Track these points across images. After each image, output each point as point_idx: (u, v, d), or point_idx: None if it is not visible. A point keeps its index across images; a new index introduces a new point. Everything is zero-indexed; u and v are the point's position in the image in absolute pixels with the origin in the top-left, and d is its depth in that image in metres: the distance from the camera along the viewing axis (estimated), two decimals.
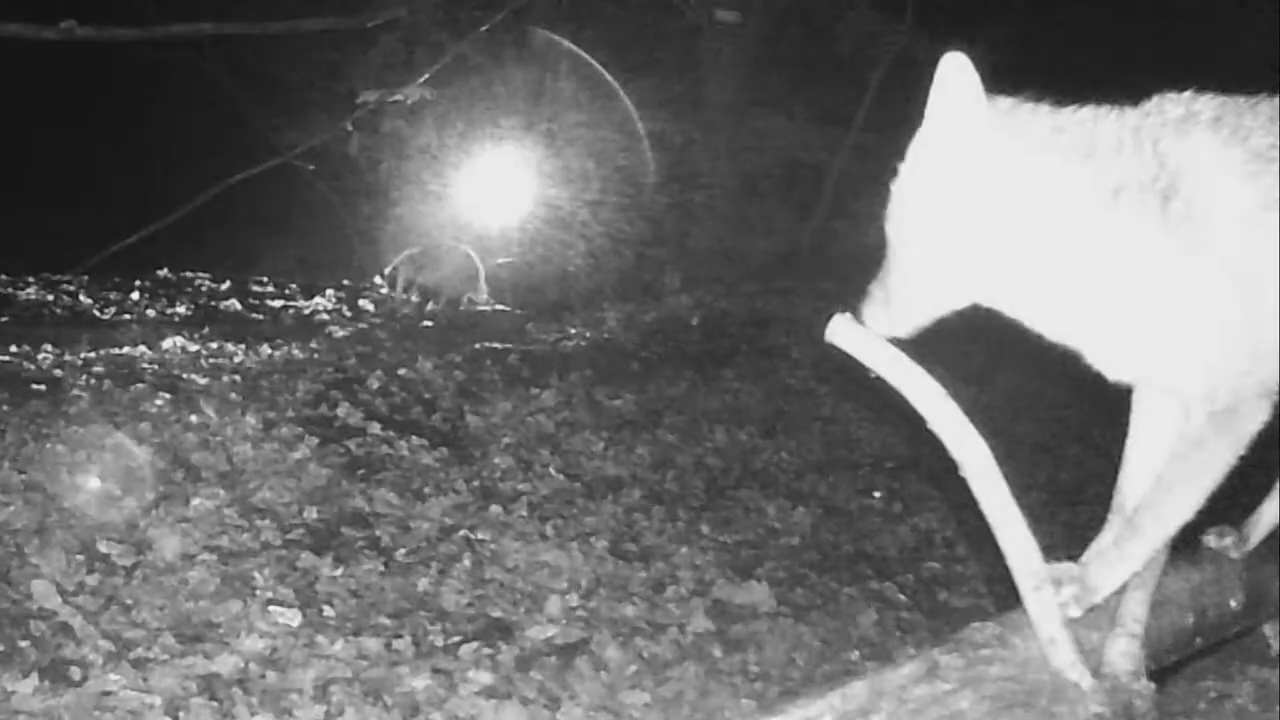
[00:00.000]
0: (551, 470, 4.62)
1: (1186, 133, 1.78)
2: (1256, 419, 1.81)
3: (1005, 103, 1.86)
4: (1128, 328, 1.82)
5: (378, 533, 3.84)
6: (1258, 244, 1.73)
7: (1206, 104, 1.82)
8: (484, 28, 8.76)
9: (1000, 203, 1.79)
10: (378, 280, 8.62)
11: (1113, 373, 1.91)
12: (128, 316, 6.67)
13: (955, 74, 1.79)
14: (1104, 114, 1.84)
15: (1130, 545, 1.88)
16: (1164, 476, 1.88)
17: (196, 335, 6.02)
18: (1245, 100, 1.84)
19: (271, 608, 3.28)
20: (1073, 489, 5.19)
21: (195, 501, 3.77)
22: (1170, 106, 1.82)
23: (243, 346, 5.80)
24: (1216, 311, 1.75)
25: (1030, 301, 1.87)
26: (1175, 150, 1.77)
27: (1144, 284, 1.77)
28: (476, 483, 4.37)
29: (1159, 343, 1.81)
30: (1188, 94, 1.85)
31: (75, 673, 2.83)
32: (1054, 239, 1.78)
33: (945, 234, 1.83)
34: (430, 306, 7.84)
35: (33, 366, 4.92)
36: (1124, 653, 1.81)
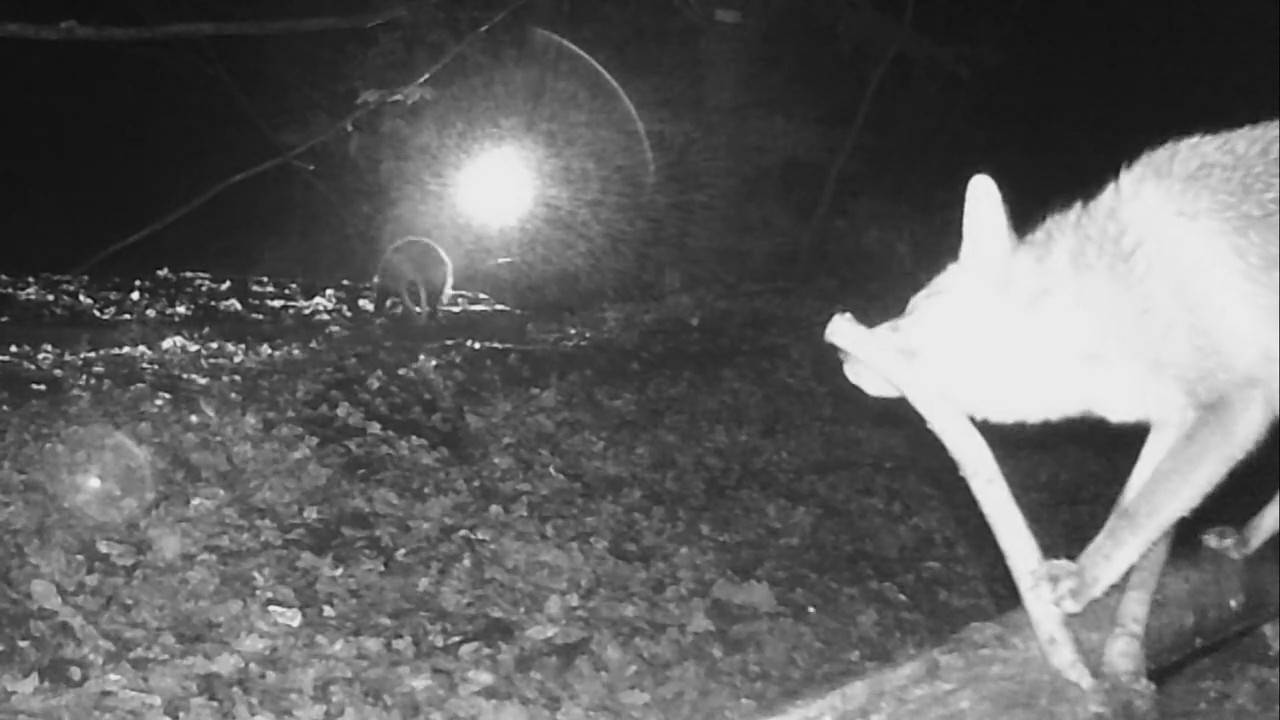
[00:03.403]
0: (551, 470, 4.62)
1: (1119, 183, 1.96)
2: (1249, 413, 1.84)
3: (1030, 238, 2.02)
4: (1114, 367, 1.93)
5: (378, 533, 3.84)
6: (1186, 247, 1.86)
7: (1147, 155, 1.98)
8: (484, 28, 8.76)
9: (1013, 327, 1.96)
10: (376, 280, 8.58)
11: (1121, 415, 2.02)
12: (128, 316, 6.67)
13: (984, 201, 1.96)
14: (1074, 209, 2.00)
15: (1124, 534, 1.89)
16: (1159, 468, 1.91)
17: (196, 335, 6.03)
18: (1191, 140, 1.97)
19: (271, 608, 3.28)
20: (1073, 489, 5.19)
21: (195, 501, 3.77)
22: (1123, 171, 1.99)
23: (243, 346, 5.81)
24: (1170, 320, 1.86)
25: (1037, 403, 2.05)
26: (1106, 202, 1.95)
27: (1109, 323, 1.90)
28: (476, 483, 4.37)
29: (1136, 369, 1.91)
30: (1145, 155, 1.99)
31: (75, 673, 2.83)
32: (1047, 343, 1.95)
33: (966, 355, 1.98)
34: (419, 309, 7.79)
35: (33, 366, 4.92)
36: (1124, 653, 1.81)
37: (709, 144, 9.63)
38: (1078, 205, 2.01)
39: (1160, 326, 1.87)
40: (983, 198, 1.95)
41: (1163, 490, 1.88)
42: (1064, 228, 1.98)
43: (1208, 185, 1.88)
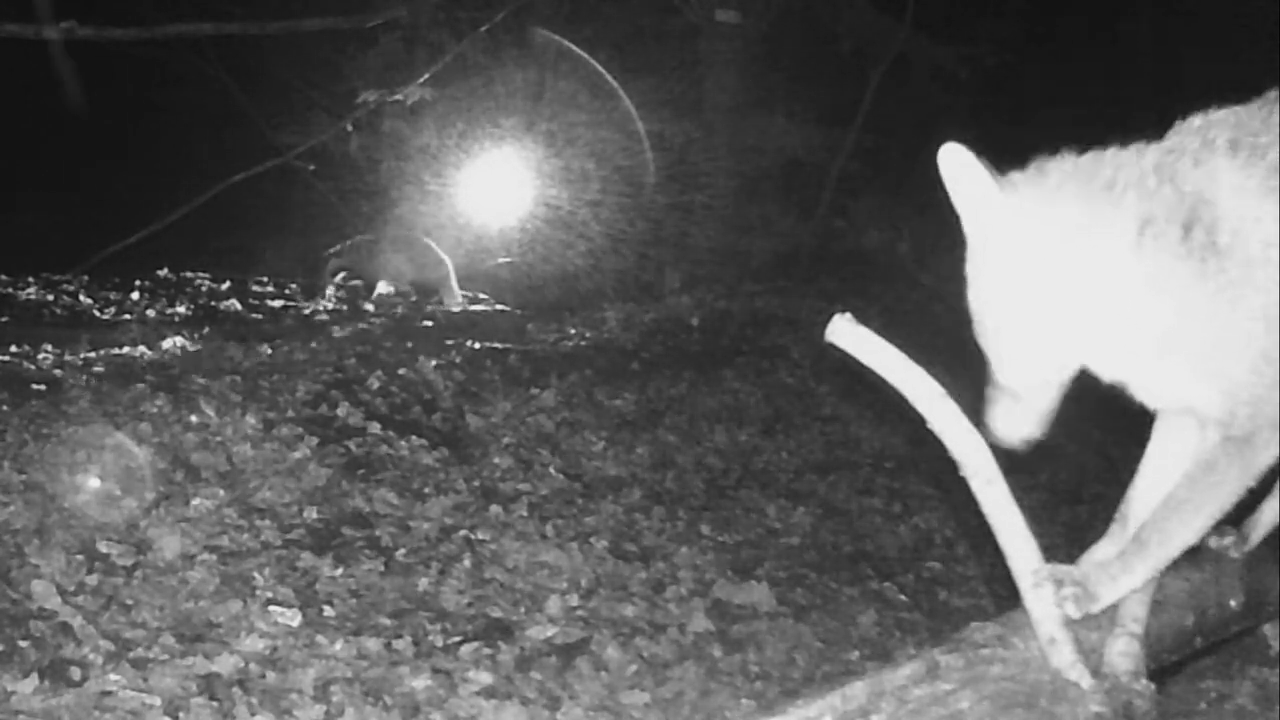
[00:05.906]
0: (551, 470, 4.62)
1: (1203, 160, 1.77)
2: (1270, 451, 1.80)
3: (1017, 177, 1.85)
4: (1169, 359, 1.81)
5: (378, 533, 3.84)
6: None
7: (1222, 125, 1.80)
8: (484, 28, 8.76)
9: (1048, 269, 1.80)
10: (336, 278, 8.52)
11: (1154, 402, 1.92)
12: (128, 316, 6.67)
13: (958, 167, 1.82)
14: (1125, 155, 1.82)
15: (1133, 559, 1.88)
16: (1173, 496, 1.88)
17: (196, 335, 6.02)
18: (1263, 110, 1.81)
19: (271, 608, 3.28)
20: (1073, 489, 5.19)
21: (195, 501, 3.77)
22: (1189, 137, 1.81)
23: (243, 346, 5.80)
24: (1247, 335, 1.73)
25: (1091, 349, 1.88)
26: (1194, 180, 1.76)
27: (1179, 315, 1.76)
28: (476, 483, 4.37)
29: (1191, 369, 1.81)
30: (1202, 117, 1.83)
31: (75, 673, 2.83)
32: (1095, 286, 1.78)
33: (1020, 314, 1.84)
34: (373, 304, 7.77)
35: (33, 366, 4.92)
36: (1124, 653, 1.81)
37: (709, 144, 9.61)
38: (1149, 160, 1.79)
39: (1236, 338, 1.73)
40: (959, 166, 1.82)
41: (1176, 520, 1.86)
42: (1136, 184, 1.77)
43: None
